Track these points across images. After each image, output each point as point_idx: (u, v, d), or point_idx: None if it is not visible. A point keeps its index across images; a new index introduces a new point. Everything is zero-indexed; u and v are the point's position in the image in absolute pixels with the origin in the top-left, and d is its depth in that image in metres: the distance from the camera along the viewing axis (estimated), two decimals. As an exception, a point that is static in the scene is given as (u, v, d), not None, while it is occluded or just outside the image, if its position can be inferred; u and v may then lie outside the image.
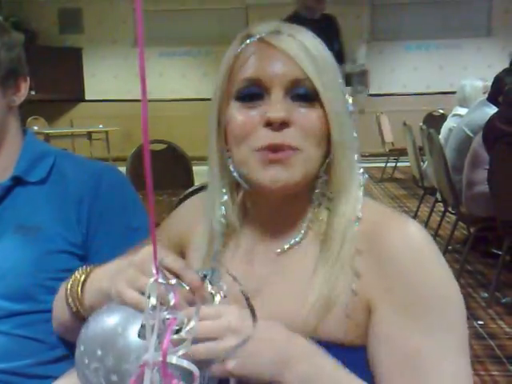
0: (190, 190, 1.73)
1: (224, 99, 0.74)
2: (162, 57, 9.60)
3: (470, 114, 3.84)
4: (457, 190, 3.47)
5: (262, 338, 0.62)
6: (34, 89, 9.00)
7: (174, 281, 0.56)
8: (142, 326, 0.56)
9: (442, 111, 6.42)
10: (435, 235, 4.22)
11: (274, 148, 0.69)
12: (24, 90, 1.08)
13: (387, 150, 7.38)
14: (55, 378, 0.96)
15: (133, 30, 9.48)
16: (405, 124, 4.91)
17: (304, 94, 0.70)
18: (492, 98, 3.74)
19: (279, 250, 0.76)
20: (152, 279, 0.54)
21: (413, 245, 0.70)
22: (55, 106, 9.49)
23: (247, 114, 0.71)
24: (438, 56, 9.38)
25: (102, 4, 9.51)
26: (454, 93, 4.79)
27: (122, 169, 3.18)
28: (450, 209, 3.89)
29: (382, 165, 7.67)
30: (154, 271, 0.54)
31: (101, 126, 8.12)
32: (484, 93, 4.13)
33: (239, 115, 0.71)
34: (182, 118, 9.49)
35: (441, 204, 4.15)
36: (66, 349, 1.01)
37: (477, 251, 3.89)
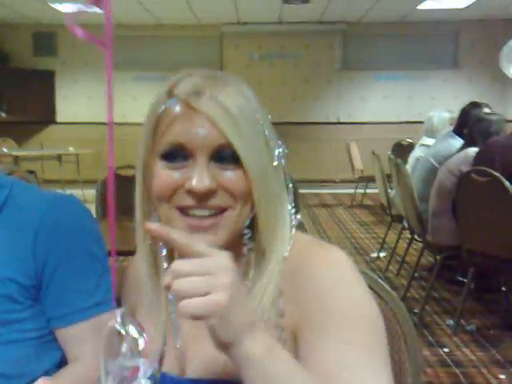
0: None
1: (149, 156, 0.75)
2: (135, 81, 9.62)
3: (436, 145, 3.94)
4: (423, 219, 3.54)
5: (240, 293, 0.60)
6: (5, 110, 8.93)
7: (128, 328, 0.56)
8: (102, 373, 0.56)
9: (410, 140, 6.56)
10: (402, 262, 4.29)
11: (197, 214, 0.72)
12: None
13: (357, 177, 7.50)
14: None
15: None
16: (373, 153, 5.00)
17: (227, 157, 0.71)
18: (458, 130, 3.86)
19: None
20: (111, 323, 0.55)
21: (332, 267, 0.74)
22: (25, 128, 9.38)
23: (171, 176, 0.72)
24: (406, 86, 9.62)
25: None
26: (421, 122, 4.91)
27: (92, 191, 3.17)
28: (416, 236, 3.96)
29: (352, 191, 7.78)
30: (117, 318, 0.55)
31: (71, 149, 8.04)
32: (451, 124, 4.24)
33: (163, 175, 0.73)
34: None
35: (408, 231, 4.23)
36: (27, 379, 1.00)
37: (442, 278, 3.96)
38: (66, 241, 1.02)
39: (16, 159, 7.09)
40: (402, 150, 6.09)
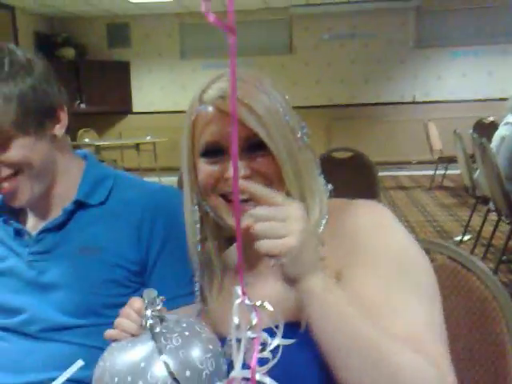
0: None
1: (191, 156, 0.89)
2: (205, 69, 9.75)
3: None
4: (511, 200, 3.39)
5: (308, 238, 0.70)
6: (85, 102, 9.33)
7: (258, 302, 0.60)
8: (228, 345, 0.58)
9: (491, 119, 6.27)
10: (488, 245, 4.11)
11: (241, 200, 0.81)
12: (64, 120, 1.10)
13: (436, 158, 7.25)
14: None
15: (178, 43, 9.67)
16: (455, 132, 4.81)
17: (256, 146, 0.83)
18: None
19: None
20: (238, 301, 0.58)
21: (371, 214, 0.84)
22: (104, 119, 9.76)
23: (211, 169, 0.86)
24: (486, 62, 9.17)
25: (148, 19, 9.75)
26: (504, 99, 4.67)
27: (172, 179, 3.26)
28: (503, 218, 3.79)
29: (431, 172, 7.53)
30: (240, 293, 0.58)
31: (148, 138, 8.29)
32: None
33: (205, 170, 0.87)
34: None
35: (494, 213, 4.05)
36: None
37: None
38: (167, 229, 1.08)
39: (97, 149, 7.40)
40: (485, 129, 5.83)
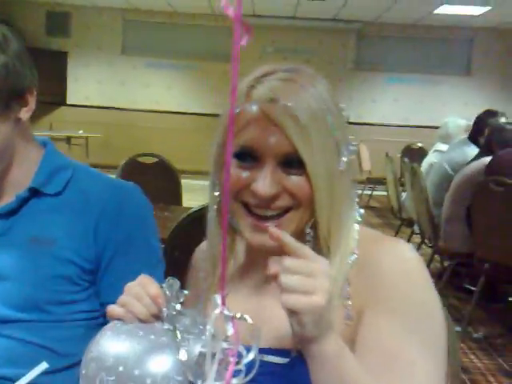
0: (192, 210, 1.75)
1: (221, 153, 0.82)
2: (148, 67, 9.61)
3: (451, 152, 3.96)
4: (436, 224, 3.57)
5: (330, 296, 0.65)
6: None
7: (238, 314, 0.59)
8: (201, 355, 0.58)
9: (420, 144, 6.58)
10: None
11: (260, 214, 0.77)
12: (31, 104, 1.05)
13: (364, 178, 7.51)
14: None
15: (120, 39, 9.47)
16: (387, 155, 5.02)
17: (293, 163, 0.76)
18: (473, 138, 3.88)
19: None
20: (217, 310, 0.57)
21: (399, 258, 0.78)
22: (35, 108, 9.35)
23: (240, 174, 0.78)
24: (418, 90, 9.62)
25: (91, 10, 9.48)
26: (431, 127, 4.94)
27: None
28: (427, 241, 3.98)
29: (359, 192, 7.77)
30: (219, 302, 0.57)
31: (81, 132, 8.04)
32: (466, 131, 4.27)
33: (233, 173, 0.77)
34: (163, 130, 9.49)
35: (416, 236, 4.24)
36: (75, 358, 1.02)
37: (451, 285, 3.98)
38: (127, 229, 1.05)
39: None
40: (413, 154, 6.10)
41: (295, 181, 0.76)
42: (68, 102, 9.67)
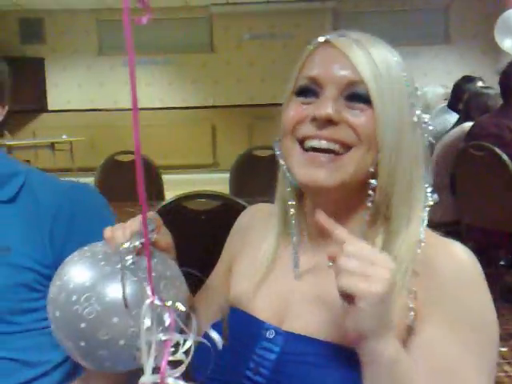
0: (168, 201, 1.73)
1: (290, 94, 0.77)
2: (126, 65, 9.53)
3: (431, 120, 3.94)
4: (422, 195, 3.57)
5: (392, 293, 0.62)
6: (-5, 100, 8.81)
7: (169, 302, 0.57)
8: (138, 349, 0.57)
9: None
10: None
11: (315, 145, 0.72)
12: (4, 109, 1.04)
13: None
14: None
15: (96, 40, 9.39)
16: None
17: (357, 95, 0.71)
18: (452, 105, 3.86)
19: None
20: (147, 301, 0.55)
21: (461, 268, 0.72)
22: (17, 117, 9.29)
23: (299, 109, 0.74)
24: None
25: (64, 14, 9.38)
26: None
27: (89, 179, 3.17)
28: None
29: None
30: (150, 293, 0.55)
31: (64, 137, 7.99)
32: (445, 99, 4.25)
33: (292, 109, 0.75)
34: (146, 128, 9.43)
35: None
36: (48, 365, 1.01)
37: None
38: (83, 230, 1.03)
39: (9, 149, 7.04)
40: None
41: (356, 113, 0.71)
42: (49, 108, 9.60)
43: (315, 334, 0.73)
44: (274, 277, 0.82)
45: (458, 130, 3.30)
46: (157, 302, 0.55)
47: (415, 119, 0.74)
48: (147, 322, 0.55)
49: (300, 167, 0.73)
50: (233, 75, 9.64)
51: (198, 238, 1.38)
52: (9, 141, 7.62)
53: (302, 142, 0.74)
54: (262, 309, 0.80)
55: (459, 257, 0.72)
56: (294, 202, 0.79)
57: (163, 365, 0.52)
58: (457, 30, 9.50)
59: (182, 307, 0.59)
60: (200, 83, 9.54)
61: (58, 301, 0.67)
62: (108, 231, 0.73)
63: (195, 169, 9.25)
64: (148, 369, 0.53)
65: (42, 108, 9.52)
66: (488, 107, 3.19)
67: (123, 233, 0.71)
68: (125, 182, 3.06)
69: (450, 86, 4.08)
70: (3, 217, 1.04)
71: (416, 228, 0.73)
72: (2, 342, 0.99)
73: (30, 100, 9.24)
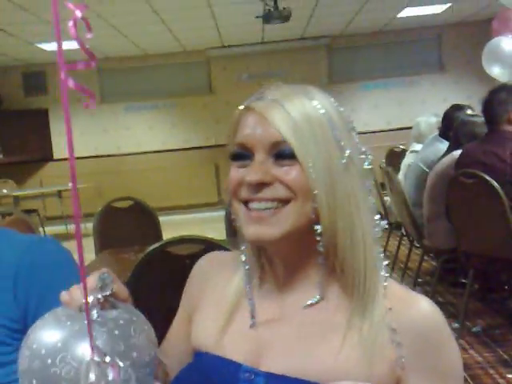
0: (153, 247, 1.76)
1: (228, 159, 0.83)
2: (127, 111, 9.72)
3: (425, 149, 4.00)
4: (418, 225, 3.58)
5: None
6: (2, 152, 8.99)
7: (107, 358, 0.59)
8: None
9: (402, 147, 6.61)
10: (405, 268, 4.30)
11: (256, 207, 0.76)
12: None
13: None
14: None
15: (98, 88, 9.60)
16: (366, 162, 5.04)
17: (283, 154, 0.75)
18: (444, 134, 3.92)
19: (305, 305, 0.80)
20: (88, 358, 0.57)
21: (434, 322, 0.76)
22: (24, 167, 9.46)
23: (237, 174, 0.79)
24: (395, 93, 9.69)
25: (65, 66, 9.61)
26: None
27: (90, 225, 3.22)
28: (415, 242, 3.99)
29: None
30: (90, 349, 0.57)
31: (70, 185, 8.08)
32: (438, 128, 4.31)
33: (232, 174, 0.80)
34: (150, 170, 9.56)
35: (406, 238, 4.25)
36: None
37: (446, 282, 3.98)
38: (45, 281, 1.05)
39: (16, 199, 7.15)
40: (396, 157, 6.13)
41: (286, 170, 0.75)
42: (55, 157, 9.76)
43: (295, 373, 0.75)
44: (241, 318, 0.84)
45: (448, 157, 3.34)
46: (96, 358, 0.57)
47: (344, 161, 0.76)
48: (92, 378, 0.57)
49: (246, 226, 0.78)
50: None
51: (183, 281, 1.42)
52: (15, 191, 7.74)
53: (245, 202, 0.78)
54: (233, 351, 0.81)
55: (434, 315, 0.76)
56: (244, 259, 0.85)
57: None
58: (450, 57, 9.63)
59: (120, 363, 0.60)
60: (201, 124, 9.69)
61: (33, 369, 0.67)
62: (65, 295, 0.74)
63: (201, 207, 9.31)
64: None
65: (48, 157, 9.68)
66: (475, 134, 3.24)
67: (81, 292, 0.71)
68: (122, 227, 3.13)
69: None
70: None
71: (373, 273, 0.78)
72: None
73: (36, 150, 9.41)
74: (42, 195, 8.39)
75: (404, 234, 4.35)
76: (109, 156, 9.72)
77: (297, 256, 0.80)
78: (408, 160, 4.49)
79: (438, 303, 0.79)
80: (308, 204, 0.75)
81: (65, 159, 9.75)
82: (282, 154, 0.75)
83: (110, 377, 0.57)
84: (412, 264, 4.42)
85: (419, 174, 3.81)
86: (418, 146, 4.46)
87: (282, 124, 0.75)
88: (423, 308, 0.76)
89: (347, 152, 0.76)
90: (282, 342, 0.79)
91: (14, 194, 7.41)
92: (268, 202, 0.76)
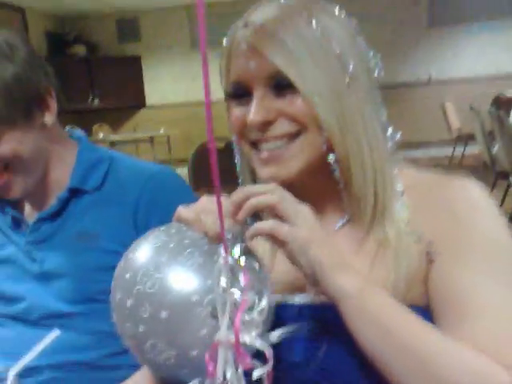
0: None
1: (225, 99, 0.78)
2: (217, 58, 9.70)
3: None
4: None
5: (320, 236, 0.63)
6: (98, 97, 9.36)
7: (243, 261, 0.56)
8: (213, 308, 0.55)
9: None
10: (510, 221, 4.02)
11: (266, 148, 0.72)
12: (53, 106, 1.04)
13: (454, 137, 7.11)
14: (126, 367, 1.00)
15: (189, 35, 9.64)
16: (471, 108, 4.71)
17: (281, 85, 0.70)
18: None
19: (336, 228, 0.78)
20: (222, 261, 0.54)
21: (471, 193, 0.72)
22: (119, 113, 9.80)
23: (238, 112, 0.74)
24: (504, 36, 8.95)
25: (157, 12, 9.71)
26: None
27: (184, 169, 3.26)
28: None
29: (450, 152, 7.39)
30: (223, 253, 0.54)
31: (162, 131, 8.31)
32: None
33: (232, 113, 0.75)
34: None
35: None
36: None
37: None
38: (165, 212, 1.04)
39: (112, 144, 7.43)
40: (503, 104, 5.69)
41: (290, 101, 0.70)
42: (148, 104, 10.01)
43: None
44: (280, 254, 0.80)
45: None
46: (231, 261, 0.54)
47: (347, 80, 0.70)
48: (223, 282, 0.54)
49: (260, 168, 0.74)
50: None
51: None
52: (112, 136, 8.06)
53: (254, 143, 0.74)
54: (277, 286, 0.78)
55: (468, 189, 0.72)
56: None
57: (237, 320, 0.49)
58: None
59: (256, 265, 0.57)
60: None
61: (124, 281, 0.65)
62: (186, 214, 0.67)
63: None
64: (224, 326, 0.53)
65: (141, 104, 9.95)
66: None
67: (215, 220, 0.61)
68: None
69: None
70: (91, 205, 1.08)
71: (388, 182, 0.74)
72: (93, 318, 1.05)
73: (129, 97, 9.71)
74: (136, 141, 8.66)
75: (511, 183, 4.04)
76: (197, 103, 9.84)
77: (315, 190, 0.77)
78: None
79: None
80: (318, 133, 0.70)
81: (156, 106, 10.01)
82: (282, 83, 0.69)
83: (242, 282, 0.55)
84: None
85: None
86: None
87: (275, 54, 0.68)
88: (454, 184, 0.73)
89: (351, 67, 0.71)
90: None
91: (110, 138, 7.70)
92: (277, 140, 0.72)
